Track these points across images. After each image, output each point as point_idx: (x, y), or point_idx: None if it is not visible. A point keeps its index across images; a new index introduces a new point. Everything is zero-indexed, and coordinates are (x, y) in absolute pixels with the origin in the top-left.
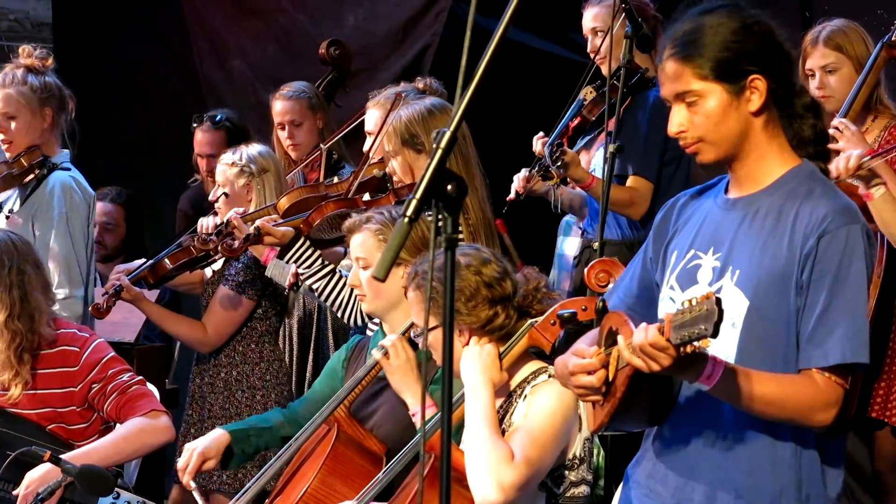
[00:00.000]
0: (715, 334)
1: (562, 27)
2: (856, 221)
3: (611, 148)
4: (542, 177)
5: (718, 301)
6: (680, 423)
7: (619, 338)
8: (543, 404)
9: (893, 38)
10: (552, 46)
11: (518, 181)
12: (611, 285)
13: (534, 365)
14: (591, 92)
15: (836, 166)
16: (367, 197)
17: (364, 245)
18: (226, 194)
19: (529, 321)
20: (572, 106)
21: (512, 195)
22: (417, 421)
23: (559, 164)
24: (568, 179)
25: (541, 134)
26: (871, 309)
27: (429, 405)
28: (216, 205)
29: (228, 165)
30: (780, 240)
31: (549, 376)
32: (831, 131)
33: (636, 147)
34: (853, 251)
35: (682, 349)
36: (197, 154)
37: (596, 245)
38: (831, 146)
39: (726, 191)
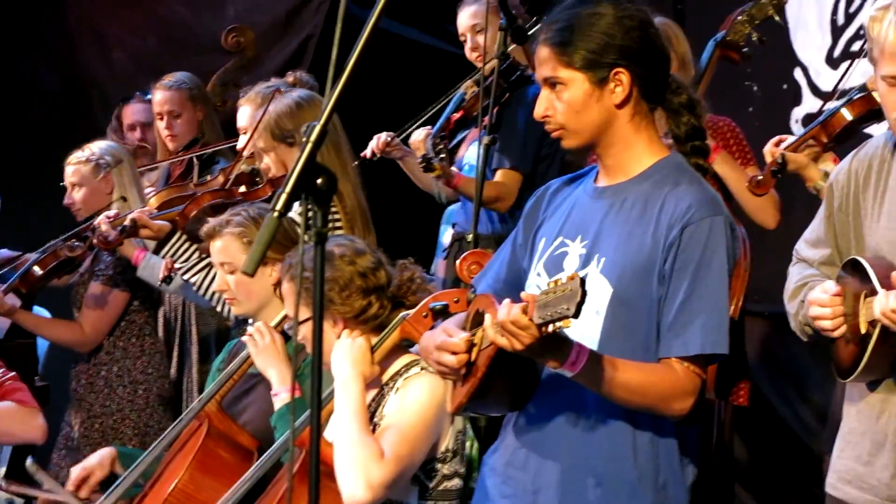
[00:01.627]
0: (577, 314)
1: (439, 19)
2: (719, 213)
3: (485, 140)
4: (425, 168)
5: (583, 282)
6: (541, 409)
7: (487, 317)
8: (414, 398)
9: (728, 38)
10: (430, 38)
11: (377, 141)
12: None
13: (406, 357)
14: (471, 86)
15: None
16: (242, 189)
17: (227, 250)
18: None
19: (402, 314)
20: (453, 100)
21: (367, 153)
22: (277, 402)
23: (442, 156)
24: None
25: (427, 128)
26: (739, 302)
27: (289, 388)
28: (73, 208)
29: (82, 163)
30: (645, 229)
31: (422, 368)
32: None
33: (514, 141)
34: (716, 243)
35: (543, 328)
36: (131, 125)
37: (469, 237)
38: None
39: (596, 179)
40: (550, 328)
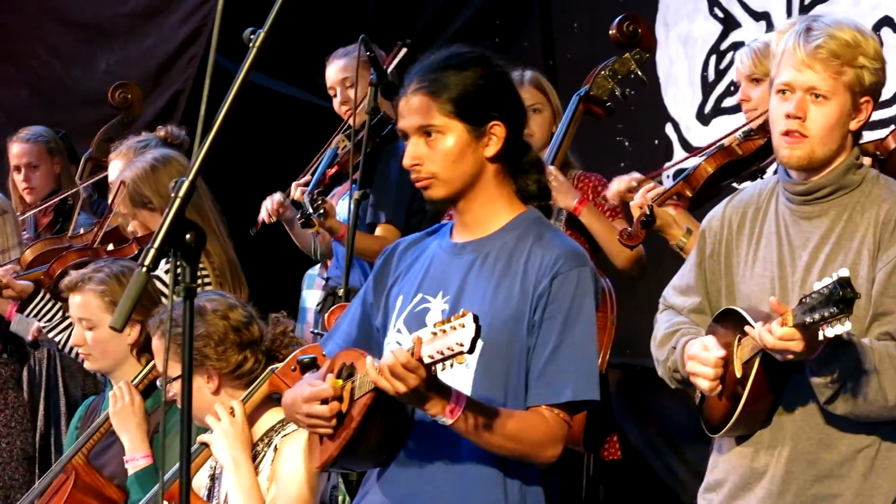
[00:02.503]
0: (471, 350)
1: (309, 72)
2: (585, 264)
3: (356, 195)
4: (303, 224)
5: (475, 318)
6: (412, 459)
7: (369, 361)
8: (296, 464)
9: (591, 92)
10: (300, 92)
11: (272, 203)
12: None
13: (280, 412)
14: (343, 141)
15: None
16: (111, 247)
17: (87, 306)
18: None
19: (270, 367)
20: (327, 155)
21: (263, 217)
22: (131, 467)
23: (320, 212)
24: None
25: (300, 181)
26: (606, 355)
27: (144, 455)
28: None
29: None
30: (512, 281)
31: None
32: None
33: (387, 195)
34: (584, 292)
35: (432, 368)
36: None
37: (340, 292)
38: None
39: (452, 235)
40: (440, 366)
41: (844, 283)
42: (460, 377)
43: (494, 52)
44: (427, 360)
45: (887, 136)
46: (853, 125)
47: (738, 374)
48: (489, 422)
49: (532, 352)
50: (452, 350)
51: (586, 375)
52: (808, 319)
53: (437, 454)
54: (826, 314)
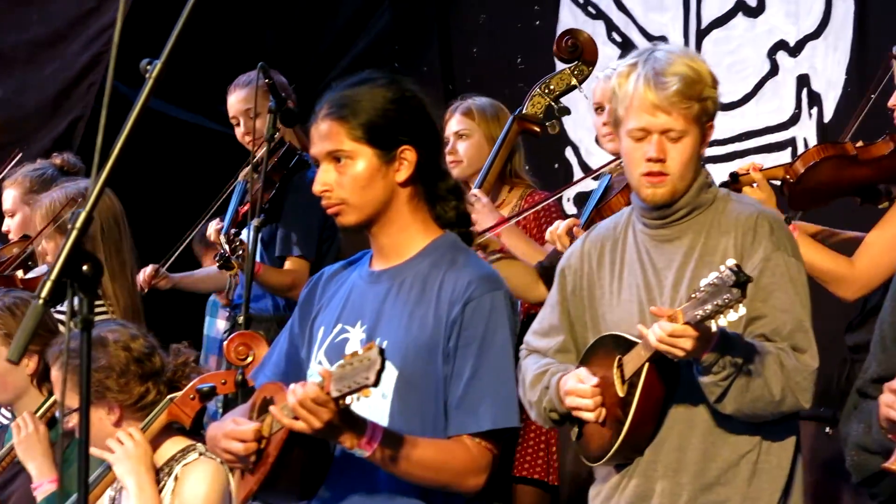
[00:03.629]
0: (376, 383)
1: (211, 100)
2: (499, 288)
3: (255, 223)
4: (222, 266)
5: (381, 351)
6: (334, 492)
7: (288, 397)
8: (196, 491)
9: (525, 111)
10: (202, 119)
11: (144, 275)
12: (249, 358)
13: (181, 442)
14: (250, 174)
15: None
16: (21, 274)
17: None
18: None
19: (169, 396)
20: (236, 191)
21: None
22: (39, 494)
23: (238, 254)
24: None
25: (216, 221)
26: None
27: (51, 480)
28: None
29: None
30: (426, 309)
31: (200, 454)
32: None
33: (297, 227)
34: (498, 317)
35: (341, 401)
36: None
37: (241, 320)
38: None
39: (370, 263)
40: (349, 399)
41: (736, 268)
42: (377, 408)
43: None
44: (335, 394)
45: (796, 160)
46: (702, 150)
47: (621, 394)
48: (407, 453)
49: (449, 380)
50: (358, 384)
51: (505, 402)
52: (699, 313)
53: (359, 486)
54: (720, 302)
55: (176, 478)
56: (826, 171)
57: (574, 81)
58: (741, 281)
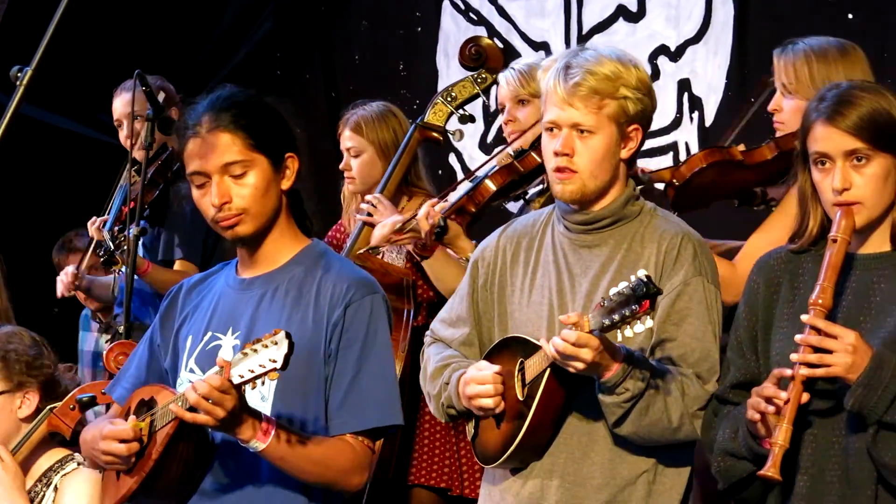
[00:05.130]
0: (285, 366)
1: (92, 109)
2: (377, 291)
3: (134, 231)
4: (105, 263)
5: (288, 335)
6: (213, 492)
7: (187, 392)
8: (79, 501)
9: (427, 119)
10: (82, 128)
11: (67, 276)
12: None
13: (58, 452)
14: (134, 176)
15: (373, 236)
16: None
17: None
18: None
19: (49, 406)
20: (119, 191)
21: (61, 292)
22: None
23: (123, 249)
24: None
25: (94, 219)
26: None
27: None
28: None
29: None
30: (304, 312)
31: (78, 464)
32: (364, 206)
33: (182, 232)
34: (378, 319)
35: (243, 388)
36: None
37: (121, 329)
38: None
39: (238, 272)
40: (250, 386)
41: (648, 279)
42: (258, 409)
43: (276, 84)
44: (237, 381)
45: (682, 164)
46: (624, 154)
47: (521, 398)
48: (298, 448)
49: (330, 381)
50: (264, 367)
51: (388, 401)
52: (606, 322)
53: (241, 482)
54: (627, 313)
55: (55, 488)
56: (711, 175)
57: (477, 89)
58: (651, 292)
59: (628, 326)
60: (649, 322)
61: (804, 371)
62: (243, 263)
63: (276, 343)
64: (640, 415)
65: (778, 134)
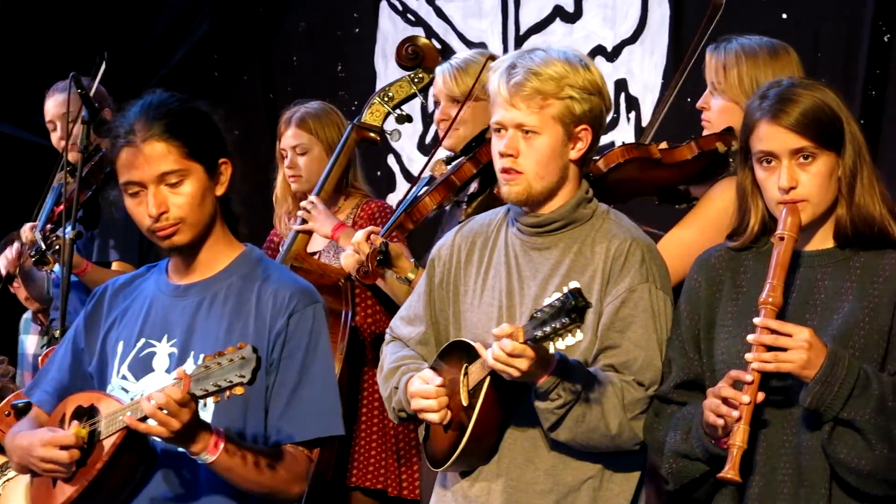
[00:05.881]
0: (252, 381)
1: (27, 111)
2: (318, 301)
3: (70, 233)
4: (37, 262)
5: (255, 349)
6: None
7: (142, 403)
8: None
9: (364, 119)
10: (18, 131)
11: (7, 261)
12: None
13: None
14: (67, 178)
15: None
16: None
17: None
18: None
19: None
20: (51, 192)
21: (6, 268)
22: None
23: (55, 248)
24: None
25: (29, 224)
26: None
27: None
28: None
29: None
30: (245, 322)
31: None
32: (301, 213)
33: (117, 236)
34: (320, 329)
35: (204, 400)
36: None
37: (58, 333)
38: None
39: (170, 277)
40: (213, 399)
41: (577, 292)
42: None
43: (214, 85)
44: (199, 394)
45: (599, 158)
46: (573, 155)
47: (465, 403)
48: (245, 459)
49: (272, 390)
50: (231, 381)
51: (329, 411)
52: (538, 333)
53: (176, 495)
54: (558, 325)
55: None
56: (629, 172)
57: (414, 89)
58: (579, 306)
59: (560, 338)
60: (580, 335)
61: (756, 366)
62: (177, 269)
63: (243, 358)
64: (576, 422)
65: (705, 132)
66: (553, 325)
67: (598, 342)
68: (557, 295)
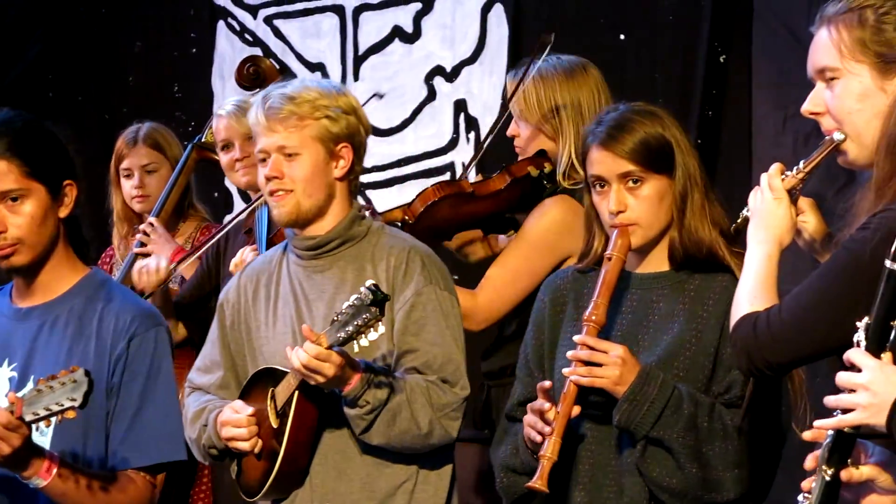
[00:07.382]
0: (84, 405)
1: None
2: (161, 324)
3: None
4: None
5: (88, 373)
6: None
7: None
8: None
9: (204, 140)
10: None
11: None
12: None
13: None
14: None
15: (145, 283)
16: None
17: None
18: None
19: None
20: None
21: None
22: None
23: None
24: None
25: None
26: None
27: None
28: None
29: None
30: (86, 345)
31: None
32: (140, 236)
33: None
34: (162, 352)
35: (35, 425)
36: None
37: None
38: None
39: (13, 300)
40: (44, 424)
41: (374, 287)
42: (36, 442)
43: (49, 106)
44: (30, 418)
45: (414, 200)
46: (337, 173)
47: (275, 426)
48: (81, 484)
49: (113, 415)
50: (62, 405)
51: (171, 436)
52: (342, 335)
53: None
54: (360, 322)
55: None
56: (444, 210)
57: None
58: (379, 299)
59: (363, 336)
60: (381, 328)
61: (574, 378)
62: (19, 292)
63: (74, 381)
64: (387, 425)
65: (519, 159)
66: (355, 324)
67: (396, 348)
68: (355, 295)
